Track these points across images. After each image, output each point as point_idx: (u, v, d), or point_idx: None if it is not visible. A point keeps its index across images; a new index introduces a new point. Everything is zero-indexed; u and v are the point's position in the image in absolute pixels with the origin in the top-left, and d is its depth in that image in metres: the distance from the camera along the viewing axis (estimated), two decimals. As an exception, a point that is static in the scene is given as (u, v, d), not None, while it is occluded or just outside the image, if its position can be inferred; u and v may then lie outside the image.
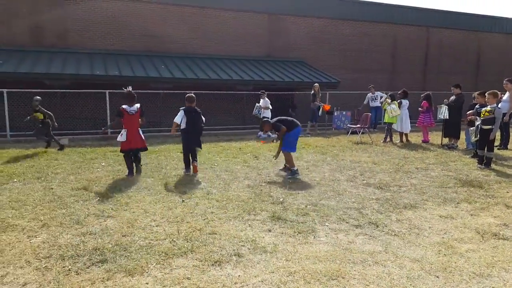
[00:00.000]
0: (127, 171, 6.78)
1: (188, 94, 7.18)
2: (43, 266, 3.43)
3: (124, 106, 6.68)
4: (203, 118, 7.20)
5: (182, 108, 7.00)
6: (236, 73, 15.21)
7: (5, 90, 11.13)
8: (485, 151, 7.77)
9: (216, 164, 7.96)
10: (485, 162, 7.76)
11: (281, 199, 5.49)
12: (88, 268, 3.40)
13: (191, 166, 6.99)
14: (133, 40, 15.48)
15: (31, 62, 12.91)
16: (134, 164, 6.85)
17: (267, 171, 7.30)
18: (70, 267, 3.41)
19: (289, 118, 7.20)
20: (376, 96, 15.03)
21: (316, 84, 13.85)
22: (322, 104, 13.65)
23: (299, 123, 7.10)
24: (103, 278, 3.23)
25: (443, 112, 10.03)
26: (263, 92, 12.85)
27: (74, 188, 5.96)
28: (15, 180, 6.43)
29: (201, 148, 7.52)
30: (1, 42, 13.78)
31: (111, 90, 12.17)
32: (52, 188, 5.94)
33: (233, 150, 9.66)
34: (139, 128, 6.84)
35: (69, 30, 14.62)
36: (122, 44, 15.37)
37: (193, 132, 6.98)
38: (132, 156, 6.80)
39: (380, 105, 14.52)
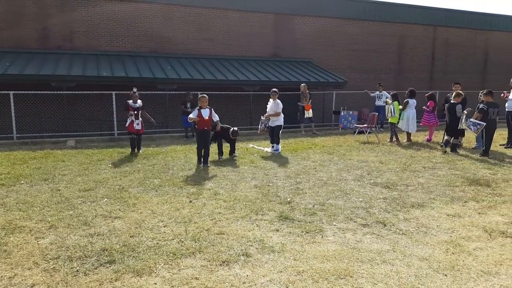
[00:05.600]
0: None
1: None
2: (51, 267, 3.46)
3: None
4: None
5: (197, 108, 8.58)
6: (242, 73, 15.22)
7: (11, 92, 11.22)
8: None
9: (223, 164, 7.97)
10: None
11: (288, 199, 5.48)
12: (96, 269, 3.42)
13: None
14: (139, 41, 15.56)
15: (38, 64, 13.02)
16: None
17: (274, 171, 7.29)
18: (78, 268, 3.43)
19: None
20: (381, 95, 14.89)
21: (302, 84, 13.67)
22: (304, 104, 13.29)
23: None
24: (111, 278, 3.25)
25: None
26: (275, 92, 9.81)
27: (82, 189, 6.00)
28: (22, 182, 6.48)
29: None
30: (8, 44, 13.93)
31: (117, 92, 12.24)
32: (59, 190, 5.99)
33: (240, 151, 9.66)
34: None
35: (75, 31, 14.74)
36: (128, 45, 15.46)
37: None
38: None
39: (384, 104, 14.40)
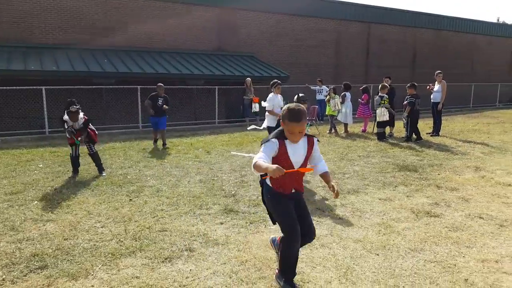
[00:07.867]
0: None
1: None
2: (-27, 277, 3.16)
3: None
4: None
5: None
6: (185, 67, 14.91)
7: None
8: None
9: (166, 160, 7.79)
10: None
11: (233, 192, 5.51)
12: (25, 276, 3.19)
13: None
14: (74, 32, 14.51)
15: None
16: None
17: (219, 165, 7.28)
18: (4, 276, 3.17)
19: None
20: (322, 89, 15.52)
21: (247, 78, 13.90)
22: (252, 96, 13.56)
23: None
24: (43, 284, 3.05)
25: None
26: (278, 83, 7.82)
27: (8, 192, 5.52)
28: None
29: None
30: None
31: (48, 87, 11.37)
32: (-18, 194, 5.46)
33: (184, 146, 9.51)
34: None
35: (0, 21, 13.38)
36: (62, 37, 14.36)
37: None
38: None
39: (324, 98, 15.00)
